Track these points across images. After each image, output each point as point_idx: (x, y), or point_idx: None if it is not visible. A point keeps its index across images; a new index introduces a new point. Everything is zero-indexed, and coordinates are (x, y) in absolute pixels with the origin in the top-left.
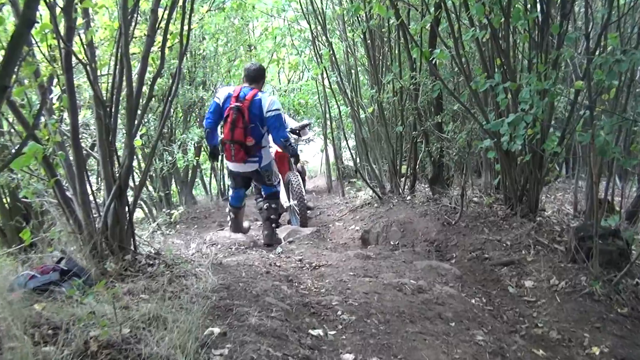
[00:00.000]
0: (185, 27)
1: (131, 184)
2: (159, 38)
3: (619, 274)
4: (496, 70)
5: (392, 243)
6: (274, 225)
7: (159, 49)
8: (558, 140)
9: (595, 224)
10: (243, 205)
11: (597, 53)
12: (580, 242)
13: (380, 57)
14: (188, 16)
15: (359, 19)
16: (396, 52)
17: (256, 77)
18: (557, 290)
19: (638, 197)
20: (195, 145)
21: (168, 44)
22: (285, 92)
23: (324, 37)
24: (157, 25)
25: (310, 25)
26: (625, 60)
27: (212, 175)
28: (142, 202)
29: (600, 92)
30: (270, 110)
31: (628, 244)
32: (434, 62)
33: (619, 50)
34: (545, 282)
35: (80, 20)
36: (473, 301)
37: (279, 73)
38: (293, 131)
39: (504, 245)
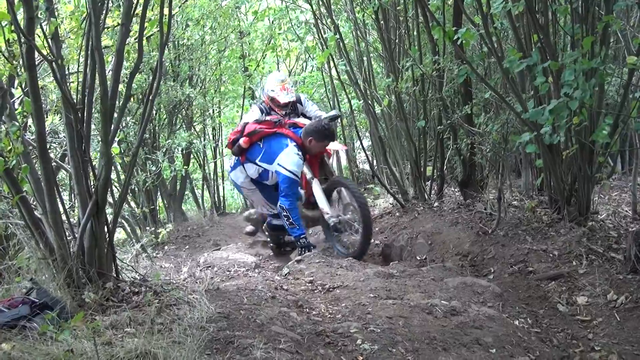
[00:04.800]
0: (166, 13)
1: (110, 199)
2: (135, 27)
3: None
4: (533, 48)
5: (418, 258)
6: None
7: (136, 40)
8: (610, 129)
9: None
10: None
11: None
12: None
13: (396, 40)
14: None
15: None
16: (415, 33)
17: None
18: (615, 306)
19: None
20: (183, 152)
21: (146, 33)
22: None
23: (329, 20)
24: (132, 12)
25: (312, 5)
26: None
27: (205, 186)
28: (123, 221)
29: None
30: None
31: None
32: (459, 42)
33: None
34: (601, 298)
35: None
36: (516, 323)
37: (277, 63)
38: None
39: (551, 255)
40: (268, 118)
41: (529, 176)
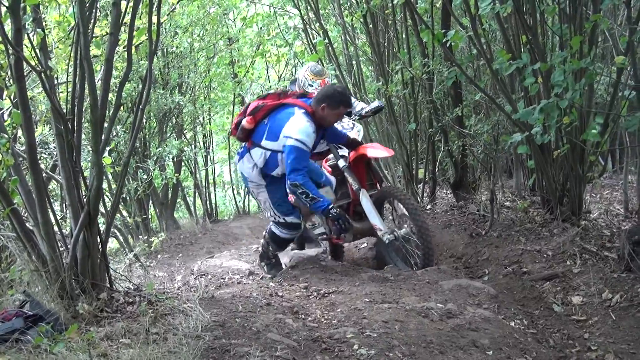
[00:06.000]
0: (154, 21)
1: (102, 209)
2: (123, 36)
3: None
4: (522, 49)
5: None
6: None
7: (125, 49)
8: (600, 128)
9: None
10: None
11: None
12: (635, 247)
13: (385, 44)
14: (156, 8)
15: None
16: (403, 36)
17: None
18: (610, 305)
19: None
20: (174, 159)
21: (135, 42)
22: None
23: (317, 24)
24: (120, 21)
25: (300, 11)
26: None
27: (197, 194)
28: (115, 230)
29: None
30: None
31: None
32: (448, 45)
33: None
34: (596, 297)
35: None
36: (512, 324)
37: (267, 69)
38: (362, 116)
39: (545, 256)
40: (272, 91)
41: (520, 177)
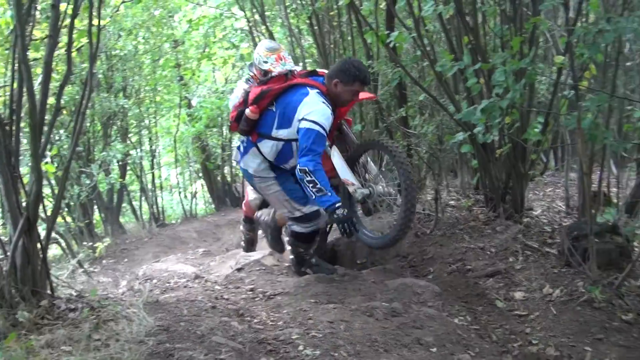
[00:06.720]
0: (94, 23)
1: (43, 215)
2: (64, 38)
3: (621, 276)
4: (464, 50)
5: (358, 262)
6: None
7: (65, 52)
8: (541, 127)
9: (589, 220)
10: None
11: (578, 24)
12: (575, 243)
13: (331, 45)
14: (97, 10)
15: (303, 1)
16: (349, 38)
17: None
18: (551, 300)
19: (637, 186)
20: (119, 163)
21: (75, 44)
22: (223, 93)
23: (263, 27)
24: (60, 24)
25: (245, 13)
26: (610, 30)
27: (143, 198)
28: (58, 236)
29: (585, 69)
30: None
31: (629, 240)
32: (392, 45)
33: (603, 19)
34: (537, 292)
35: None
36: (456, 321)
37: (213, 71)
38: None
39: (488, 253)
40: (275, 72)
41: (464, 176)
